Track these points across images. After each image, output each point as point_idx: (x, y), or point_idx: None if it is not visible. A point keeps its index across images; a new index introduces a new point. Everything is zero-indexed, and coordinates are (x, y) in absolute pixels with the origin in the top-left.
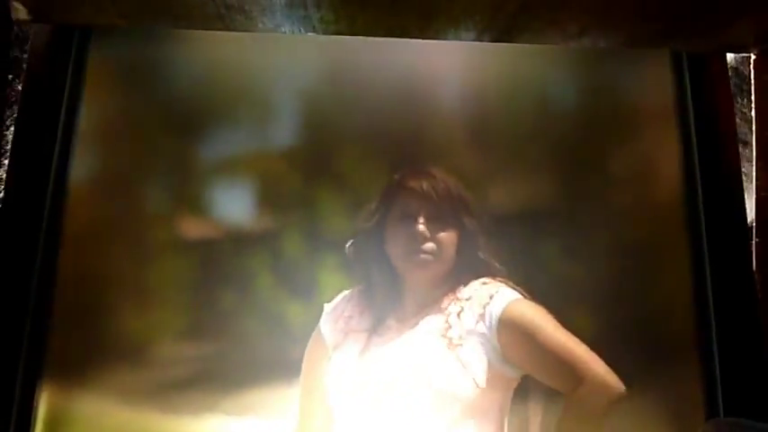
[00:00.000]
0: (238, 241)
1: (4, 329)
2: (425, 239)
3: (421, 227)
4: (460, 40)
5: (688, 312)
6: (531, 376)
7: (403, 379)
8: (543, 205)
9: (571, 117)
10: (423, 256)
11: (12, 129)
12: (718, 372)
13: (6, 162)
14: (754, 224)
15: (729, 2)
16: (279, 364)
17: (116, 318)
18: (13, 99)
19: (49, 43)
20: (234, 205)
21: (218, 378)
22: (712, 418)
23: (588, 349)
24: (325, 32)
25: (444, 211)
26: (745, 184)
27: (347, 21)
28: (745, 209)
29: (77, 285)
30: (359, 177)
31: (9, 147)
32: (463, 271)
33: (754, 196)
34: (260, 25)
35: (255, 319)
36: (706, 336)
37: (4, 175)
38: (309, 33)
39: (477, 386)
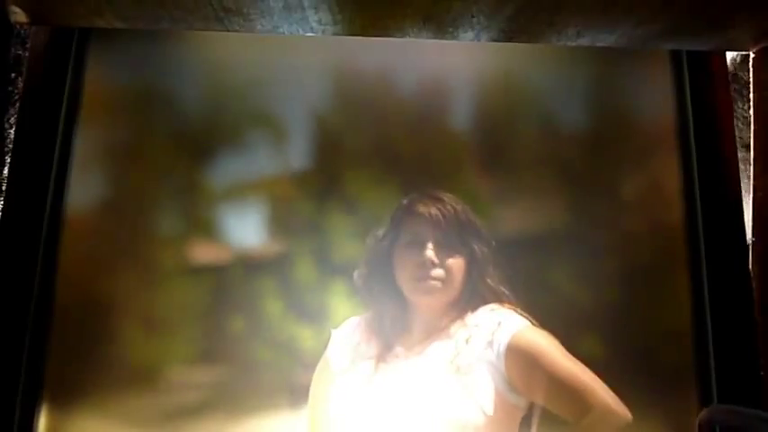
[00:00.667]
0: (248, 266)
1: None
2: (434, 266)
3: (429, 253)
4: (459, 40)
5: (687, 332)
6: (537, 404)
7: (411, 406)
8: (551, 229)
9: (572, 120)
10: (431, 282)
11: (14, 128)
12: (714, 387)
13: (8, 160)
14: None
15: (729, 1)
16: (288, 390)
17: (122, 343)
18: (16, 96)
19: (48, 44)
20: (243, 230)
21: (227, 403)
22: None
23: (596, 377)
24: (324, 33)
25: (452, 237)
26: (742, 183)
27: (345, 22)
28: (742, 211)
29: (78, 307)
30: (369, 201)
31: (11, 145)
32: (471, 297)
33: (751, 195)
34: (258, 26)
35: (265, 344)
36: (704, 359)
37: (7, 173)
38: (308, 34)
39: (485, 414)
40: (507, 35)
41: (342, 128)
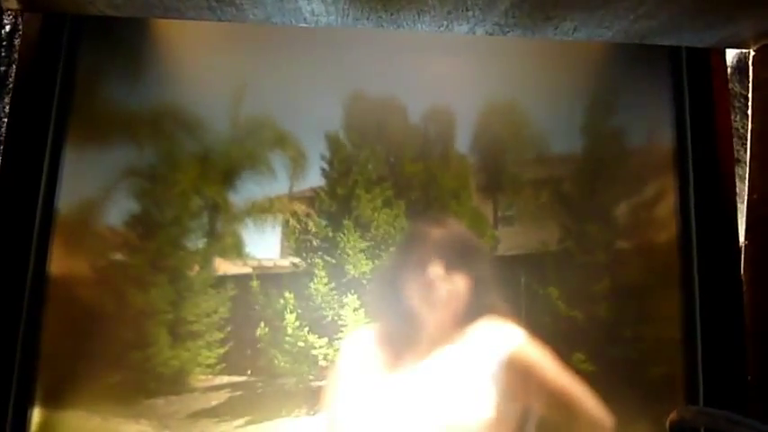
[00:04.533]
0: (267, 279)
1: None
2: (439, 284)
3: (435, 272)
4: (454, 32)
5: (677, 341)
6: (531, 411)
7: (417, 412)
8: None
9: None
10: (437, 298)
11: (7, 115)
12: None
13: (1, 148)
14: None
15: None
16: (304, 396)
17: (149, 349)
18: (10, 85)
19: (40, 31)
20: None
21: (247, 408)
22: None
23: (584, 389)
24: (317, 24)
25: (456, 258)
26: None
27: (338, 13)
28: (736, 213)
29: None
30: (379, 220)
31: (4, 132)
32: (474, 312)
33: (746, 197)
34: (251, 16)
35: (283, 352)
36: (693, 366)
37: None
38: (301, 25)
39: (485, 420)
40: (503, 29)
41: (355, 151)
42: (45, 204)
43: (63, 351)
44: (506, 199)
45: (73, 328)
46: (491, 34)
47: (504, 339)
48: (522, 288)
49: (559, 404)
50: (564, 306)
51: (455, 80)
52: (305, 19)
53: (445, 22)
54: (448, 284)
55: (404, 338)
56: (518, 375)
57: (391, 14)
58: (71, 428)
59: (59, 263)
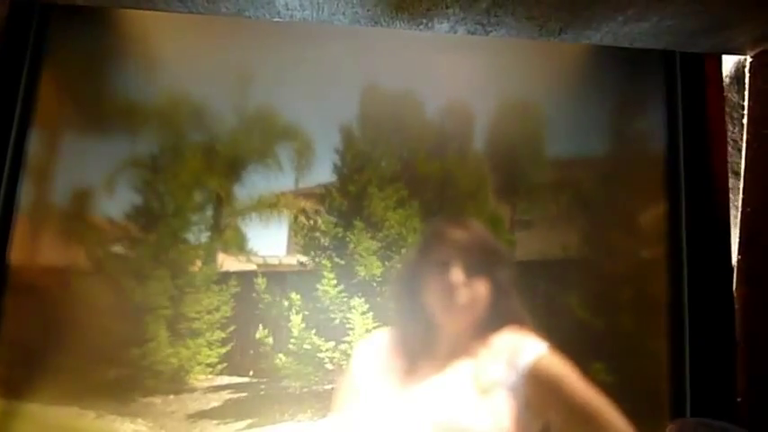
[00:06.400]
0: (272, 278)
1: None
2: (460, 289)
3: (456, 276)
4: (434, 31)
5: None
6: (552, 425)
7: (432, 422)
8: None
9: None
10: (457, 304)
11: None
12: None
13: None
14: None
15: (727, 3)
16: (309, 399)
17: (148, 346)
18: None
19: (8, 17)
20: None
21: (249, 410)
22: None
23: (609, 404)
24: (291, 18)
25: (478, 262)
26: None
27: (313, 8)
28: (729, 228)
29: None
30: (392, 220)
31: None
32: (494, 319)
33: (739, 211)
34: (223, 9)
35: (287, 354)
36: (681, 382)
37: None
38: (275, 19)
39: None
40: (485, 28)
41: (368, 147)
42: (7, 192)
43: (53, 344)
44: (524, 202)
45: (65, 321)
46: (473, 33)
47: (525, 350)
48: (541, 295)
49: (583, 420)
50: (583, 314)
51: (474, 78)
52: (278, 13)
53: (424, 20)
54: (469, 290)
55: (420, 345)
56: (540, 388)
57: (368, 10)
58: (63, 425)
59: (52, 254)
